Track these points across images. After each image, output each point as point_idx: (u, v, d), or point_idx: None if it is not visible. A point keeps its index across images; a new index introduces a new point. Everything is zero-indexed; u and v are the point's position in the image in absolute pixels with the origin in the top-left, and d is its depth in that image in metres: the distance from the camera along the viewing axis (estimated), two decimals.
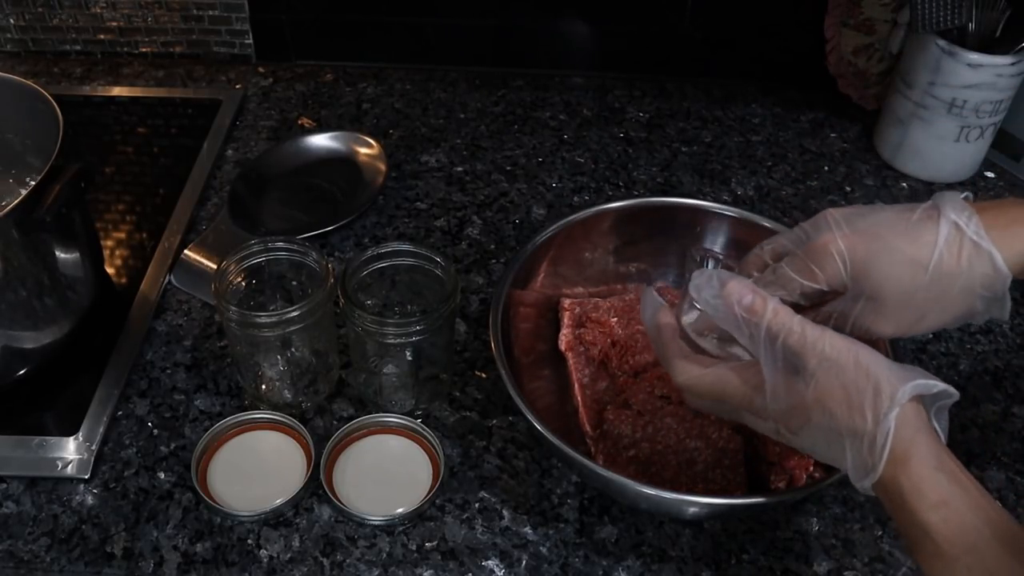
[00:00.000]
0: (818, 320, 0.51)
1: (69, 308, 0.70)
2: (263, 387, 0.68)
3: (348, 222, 0.85)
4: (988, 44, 0.85)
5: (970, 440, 0.69)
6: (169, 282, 0.79)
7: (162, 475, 0.65)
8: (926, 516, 0.43)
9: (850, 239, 0.50)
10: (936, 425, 0.47)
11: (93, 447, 0.65)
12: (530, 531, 0.62)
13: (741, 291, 0.49)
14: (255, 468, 0.65)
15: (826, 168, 0.95)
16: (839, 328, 0.51)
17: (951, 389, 0.46)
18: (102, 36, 1.06)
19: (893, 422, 0.44)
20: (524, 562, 0.60)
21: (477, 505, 0.63)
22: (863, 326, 0.52)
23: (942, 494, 0.44)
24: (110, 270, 0.80)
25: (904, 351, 0.74)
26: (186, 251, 0.80)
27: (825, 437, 0.47)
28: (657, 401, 0.64)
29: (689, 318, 0.54)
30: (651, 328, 0.56)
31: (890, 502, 0.45)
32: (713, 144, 0.97)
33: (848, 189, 0.92)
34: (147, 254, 0.81)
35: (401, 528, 0.62)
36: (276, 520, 0.62)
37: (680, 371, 0.53)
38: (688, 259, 0.54)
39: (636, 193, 0.91)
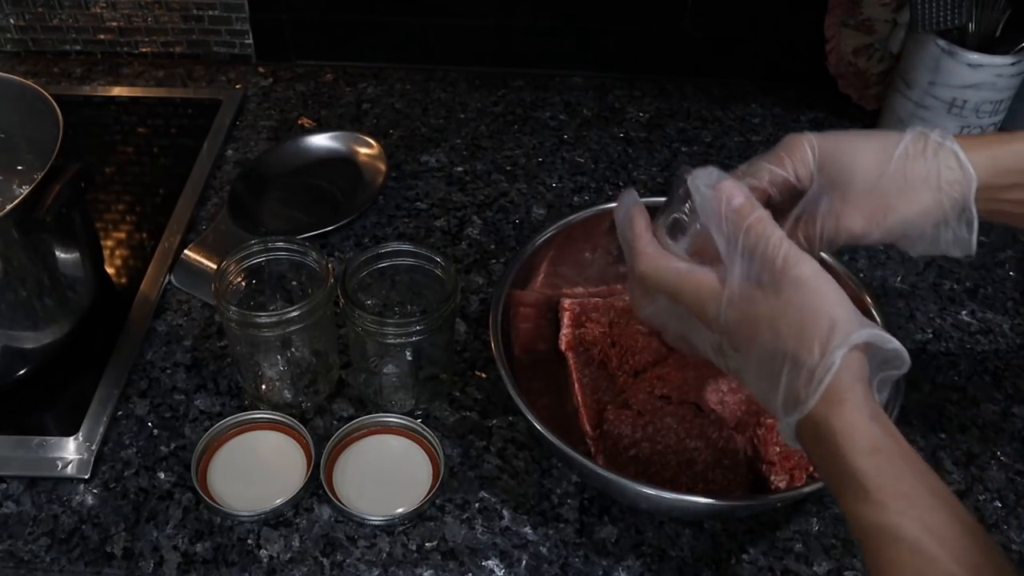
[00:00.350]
0: (786, 222, 0.53)
1: (69, 308, 0.70)
2: (263, 387, 0.68)
3: (348, 222, 0.85)
4: (988, 44, 0.85)
5: (970, 440, 0.69)
6: (169, 282, 0.79)
7: (162, 475, 0.65)
8: (856, 461, 0.42)
9: (820, 137, 0.53)
10: (875, 392, 0.45)
11: (93, 447, 0.65)
12: (530, 531, 0.62)
13: (733, 191, 0.48)
14: (255, 468, 0.65)
15: None
16: (808, 233, 0.52)
17: (904, 354, 0.45)
18: (102, 36, 1.06)
19: (839, 360, 0.43)
20: (524, 562, 0.60)
21: (477, 505, 0.63)
22: (832, 224, 0.52)
23: (875, 442, 0.42)
24: (110, 270, 0.80)
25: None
26: (186, 251, 0.80)
27: (765, 360, 0.45)
28: (657, 401, 0.64)
29: (665, 222, 0.54)
30: (623, 218, 0.54)
31: (817, 444, 0.44)
32: (713, 144, 0.97)
33: None
34: (147, 254, 0.81)
35: (401, 528, 0.62)
36: (276, 520, 0.62)
37: (644, 259, 0.51)
38: (676, 178, 0.53)
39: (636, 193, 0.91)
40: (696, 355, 0.54)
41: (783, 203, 0.55)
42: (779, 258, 0.46)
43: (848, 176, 0.51)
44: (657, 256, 0.51)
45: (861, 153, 0.52)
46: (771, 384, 0.45)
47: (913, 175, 0.51)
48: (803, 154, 0.52)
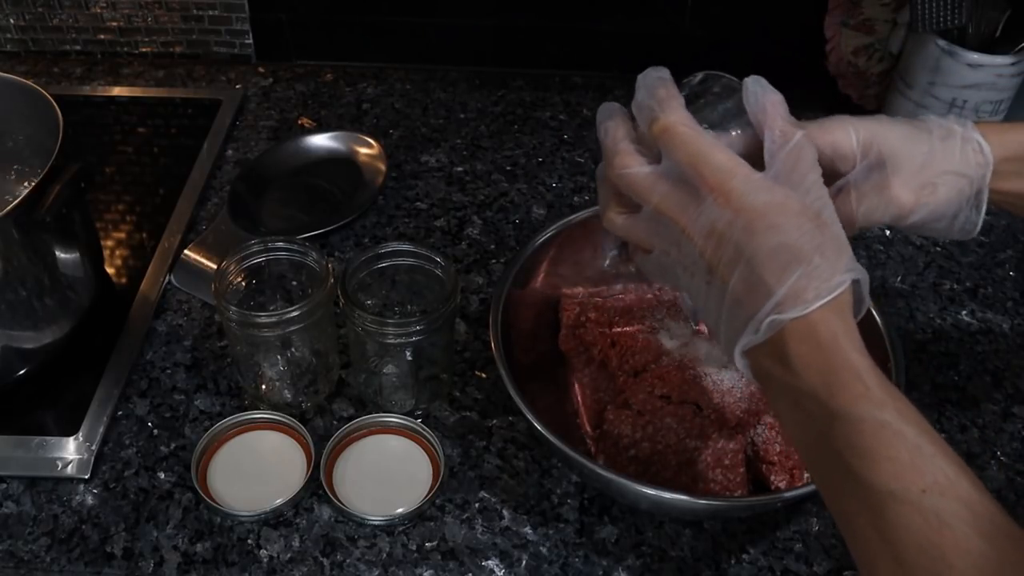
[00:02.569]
0: (831, 191, 0.51)
1: (69, 308, 0.70)
2: (263, 387, 0.68)
3: (348, 222, 0.85)
4: (988, 44, 0.85)
5: (970, 440, 0.69)
6: (169, 282, 0.79)
7: (162, 475, 0.65)
8: (857, 360, 0.42)
9: (858, 119, 0.53)
10: None
11: (93, 447, 0.65)
12: (530, 531, 0.62)
13: (783, 107, 0.49)
14: (255, 468, 0.65)
15: None
16: (849, 206, 0.52)
17: (865, 309, 0.46)
18: (102, 36, 1.06)
19: (850, 278, 0.43)
20: (524, 562, 0.60)
21: (477, 505, 0.63)
22: (880, 198, 0.52)
23: (864, 347, 0.43)
24: (110, 270, 0.80)
25: (904, 351, 0.74)
26: (186, 251, 0.80)
27: (778, 251, 0.44)
28: (657, 401, 0.64)
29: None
30: (654, 79, 0.50)
31: (814, 344, 0.43)
32: None
33: None
34: (147, 254, 0.81)
35: (401, 528, 0.62)
36: (276, 520, 0.62)
37: (627, 160, 0.49)
38: (704, 80, 0.52)
39: None
40: (663, 269, 0.50)
41: None
42: (816, 177, 0.46)
43: (899, 153, 0.52)
44: (691, 118, 0.48)
45: (902, 133, 0.53)
46: (773, 280, 0.43)
47: (951, 156, 0.53)
48: (845, 134, 0.53)
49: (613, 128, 0.51)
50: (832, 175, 0.53)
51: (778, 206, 0.44)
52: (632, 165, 0.49)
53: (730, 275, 0.45)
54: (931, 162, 0.53)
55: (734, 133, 0.50)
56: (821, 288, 0.43)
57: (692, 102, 0.51)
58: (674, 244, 0.48)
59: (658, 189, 0.48)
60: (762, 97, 0.49)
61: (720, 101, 0.52)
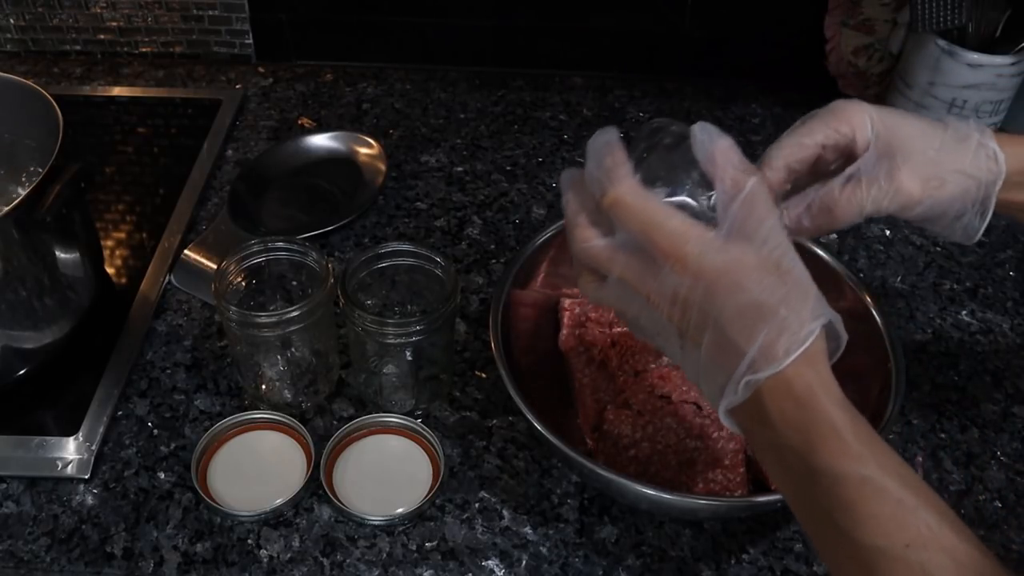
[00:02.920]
0: (832, 182, 0.53)
1: (69, 308, 0.70)
2: (263, 387, 0.68)
3: (348, 222, 0.85)
4: (988, 44, 0.85)
5: (970, 440, 0.69)
6: (169, 282, 0.79)
7: (162, 475, 0.65)
8: (834, 413, 0.42)
9: (874, 107, 0.54)
10: None
11: (93, 447, 0.65)
12: (530, 531, 0.62)
13: (734, 150, 0.47)
14: (255, 468, 0.65)
15: None
16: (858, 194, 0.53)
17: (843, 345, 0.46)
18: (102, 36, 1.06)
19: (819, 327, 0.43)
20: (524, 562, 0.60)
21: (477, 505, 0.63)
22: (889, 186, 0.53)
23: (844, 400, 0.43)
24: (110, 270, 0.80)
25: (904, 351, 0.74)
26: (186, 251, 0.80)
27: (743, 311, 0.43)
28: (657, 401, 0.64)
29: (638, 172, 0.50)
30: (600, 145, 0.49)
31: (785, 401, 0.43)
32: None
33: None
34: (147, 254, 0.81)
35: (401, 528, 0.62)
36: (276, 520, 0.62)
37: (627, 184, 0.47)
38: (647, 131, 0.52)
39: None
40: (643, 332, 0.50)
41: (829, 164, 0.56)
42: (770, 217, 0.45)
43: (910, 144, 0.53)
44: (638, 186, 0.47)
45: (916, 127, 0.54)
46: (743, 341, 0.43)
47: (963, 156, 0.53)
48: (863, 120, 0.54)
49: (571, 200, 0.51)
50: (847, 158, 0.54)
51: (736, 264, 0.44)
52: (590, 239, 0.49)
53: (700, 338, 0.45)
54: (942, 158, 0.53)
55: (688, 185, 0.50)
56: (791, 342, 0.43)
57: (642, 159, 0.51)
58: (643, 310, 0.48)
59: (618, 260, 0.48)
60: (710, 145, 0.47)
61: (670, 152, 0.51)
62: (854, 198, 0.53)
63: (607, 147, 0.48)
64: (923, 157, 0.53)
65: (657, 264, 0.46)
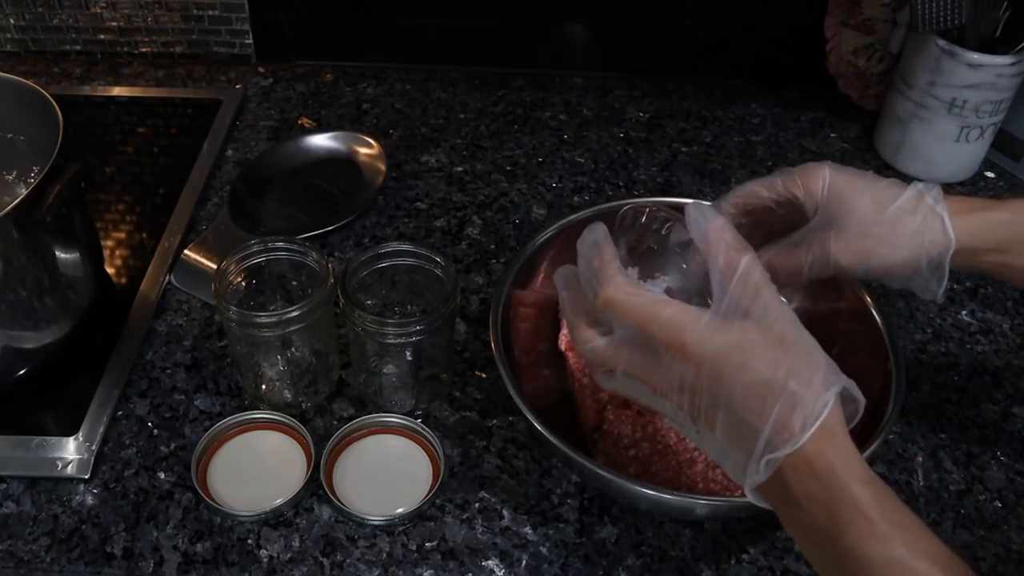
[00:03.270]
0: (779, 246, 0.56)
1: (69, 308, 0.70)
2: (263, 387, 0.68)
3: (348, 222, 0.85)
4: (988, 44, 0.85)
5: (970, 440, 0.69)
6: (169, 282, 0.79)
7: (162, 475, 0.65)
8: (857, 492, 0.41)
9: (836, 172, 0.56)
10: None
11: (93, 447, 0.65)
12: (530, 531, 0.62)
13: (727, 227, 0.47)
14: (255, 468, 0.65)
15: None
16: (799, 260, 0.55)
17: (861, 409, 0.45)
18: (102, 36, 1.06)
19: (833, 398, 0.43)
20: (524, 562, 0.60)
21: (477, 505, 0.63)
22: (823, 256, 0.55)
23: (867, 473, 0.42)
24: (110, 270, 0.80)
25: (904, 351, 0.75)
26: (186, 251, 0.80)
27: (752, 392, 0.43)
28: None
29: (624, 258, 0.52)
30: (590, 245, 0.50)
31: (807, 481, 0.42)
32: (713, 144, 0.97)
33: None
34: (147, 254, 0.81)
35: (401, 528, 0.62)
36: (276, 520, 0.62)
37: (615, 283, 0.47)
38: (628, 215, 0.53)
39: (636, 193, 0.91)
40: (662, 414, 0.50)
41: (776, 224, 0.59)
42: (765, 288, 0.45)
43: (846, 216, 0.55)
44: (628, 282, 0.48)
45: (863, 197, 0.55)
46: (756, 420, 0.43)
47: (902, 229, 0.55)
48: (816, 185, 0.56)
49: (568, 301, 0.52)
50: (791, 222, 0.57)
51: (738, 344, 0.44)
52: (591, 339, 0.50)
53: (714, 422, 0.45)
54: (878, 231, 0.55)
55: (684, 266, 0.51)
56: (807, 416, 0.42)
57: (635, 246, 0.52)
58: (654, 399, 0.48)
59: (620, 357, 0.48)
60: (704, 224, 0.47)
61: (663, 237, 0.52)
62: (794, 261, 0.56)
63: (594, 247, 0.49)
64: (858, 229, 0.55)
65: (659, 355, 0.46)
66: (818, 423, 0.42)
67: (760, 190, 0.58)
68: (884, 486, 0.43)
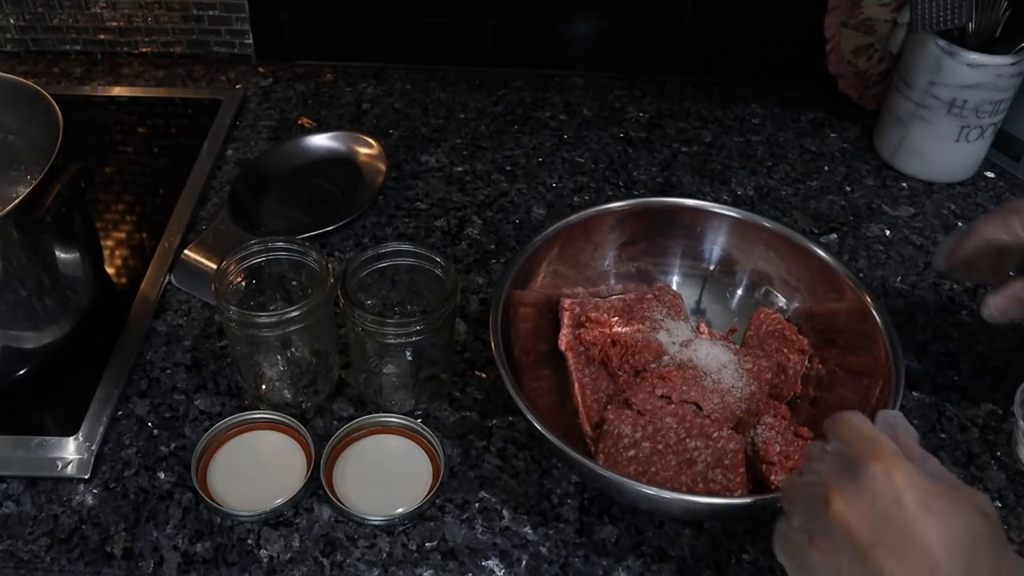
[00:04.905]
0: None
1: (69, 308, 0.70)
2: (263, 387, 0.68)
3: (348, 222, 0.85)
4: (988, 44, 0.85)
5: (970, 440, 0.69)
6: (169, 282, 0.79)
7: (162, 475, 0.65)
8: None
9: None
10: None
11: (93, 447, 0.65)
12: (530, 531, 0.62)
13: None
14: (255, 468, 0.65)
15: (826, 168, 0.95)
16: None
17: None
18: (102, 36, 1.06)
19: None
20: (524, 562, 0.60)
21: (477, 505, 0.63)
22: None
23: None
24: (110, 270, 0.80)
25: (904, 351, 0.74)
26: (186, 251, 0.80)
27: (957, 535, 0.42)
28: (657, 401, 0.64)
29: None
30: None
31: None
32: (713, 144, 0.97)
33: (848, 189, 0.92)
34: (147, 254, 0.81)
35: (401, 528, 0.62)
36: (276, 520, 0.62)
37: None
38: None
39: (636, 193, 0.91)
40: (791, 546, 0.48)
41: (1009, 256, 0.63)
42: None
43: None
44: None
45: None
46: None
47: None
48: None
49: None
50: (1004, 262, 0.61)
51: (942, 492, 0.43)
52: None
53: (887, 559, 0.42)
54: None
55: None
56: None
57: None
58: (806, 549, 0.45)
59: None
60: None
61: None
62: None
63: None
64: None
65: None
66: None
67: (1001, 235, 0.61)
68: None
